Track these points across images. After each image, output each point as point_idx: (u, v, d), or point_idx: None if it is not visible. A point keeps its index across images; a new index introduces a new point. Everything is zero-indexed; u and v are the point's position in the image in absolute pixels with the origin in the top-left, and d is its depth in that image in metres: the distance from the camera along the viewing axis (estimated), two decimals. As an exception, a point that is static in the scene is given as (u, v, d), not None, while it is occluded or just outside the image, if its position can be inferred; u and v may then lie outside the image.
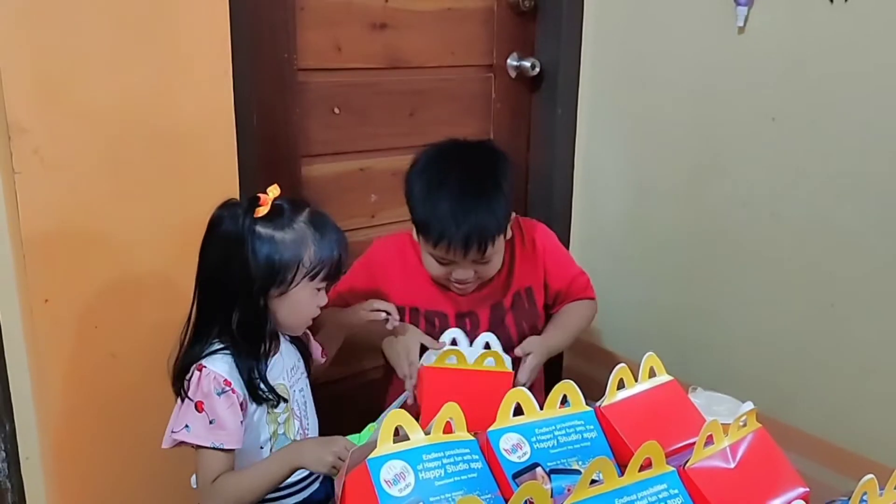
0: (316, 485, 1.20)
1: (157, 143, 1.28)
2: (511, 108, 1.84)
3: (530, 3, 1.79)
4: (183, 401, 1.09)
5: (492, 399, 0.93)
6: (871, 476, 0.80)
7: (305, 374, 1.22)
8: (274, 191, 1.11)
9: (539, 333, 1.43)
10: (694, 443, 0.85)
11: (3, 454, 1.25)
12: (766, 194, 1.54)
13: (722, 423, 0.87)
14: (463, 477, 0.82)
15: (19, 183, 1.16)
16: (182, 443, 1.09)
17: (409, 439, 0.81)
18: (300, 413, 1.19)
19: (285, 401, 1.14)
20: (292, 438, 1.16)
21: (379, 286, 1.40)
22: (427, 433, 0.83)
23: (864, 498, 0.80)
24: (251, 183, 1.39)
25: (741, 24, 1.51)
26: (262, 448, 1.13)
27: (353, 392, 1.57)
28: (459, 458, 0.83)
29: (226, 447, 1.08)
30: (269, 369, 1.14)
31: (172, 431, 1.09)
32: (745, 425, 0.90)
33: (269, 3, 1.42)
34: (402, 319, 1.34)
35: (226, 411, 1.08)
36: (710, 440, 0.86)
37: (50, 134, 1.18)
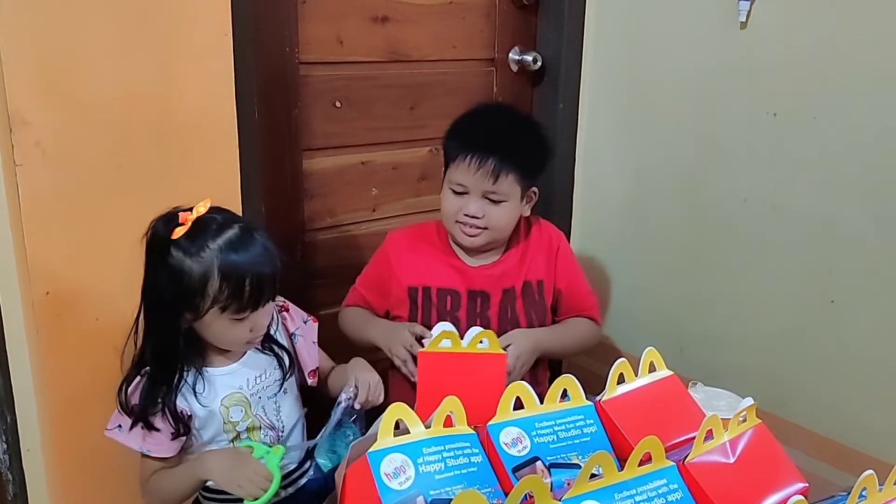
0: (310, 472, 1.20)
1: (159, 136, 1.28)
2: (513, 102, 1.83)
3: (532, -4, 1.79)
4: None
5: (487, 381, 0.94)
6: (870, 472, 0.80)
7: (279, 381, 1.18)
8: (203, 206, 1.07)
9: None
10: (693, 438, 0.85)
11: (5, 446, 1.26)
12: (766, 189, 1.54)
13: (721, 419, 0.87)
14: (463, 471, 0.82)
15: (21, 175, 1.16)
16: None
17: (409, 433, 0.82)
18: (270, 421, 1.17)
19: (187, 430, 1.12)
20: (261, 443, 1.14)
21: (393, 271, 1.43)
22: (427, 427, 0.83)
23: (864, 493, 0.80)
24: (252, 176, 1.39)
25: (743, 18, 1.51)
26: None
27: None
28: (459, 452, 0.83)
29: (153, 455, 1.11)
30: (220, 375, 1.13)
31: (108, 428, 1.12)
32: (744, 421, 0.90)
33: (271, -5, 1.42)
34: (415, 300, 1.40)
35: (159, 422, 1.09)
36: (709, 435, 0.86)
37: (52, 126, 1.18)
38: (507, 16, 1.79)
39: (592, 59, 1.84)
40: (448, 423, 0.85)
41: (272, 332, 1.19)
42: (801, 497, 0.73)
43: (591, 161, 1.90)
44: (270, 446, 1.11)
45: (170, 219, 1.06)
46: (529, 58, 1.80)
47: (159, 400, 1.09)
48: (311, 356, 1.25)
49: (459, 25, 1.73)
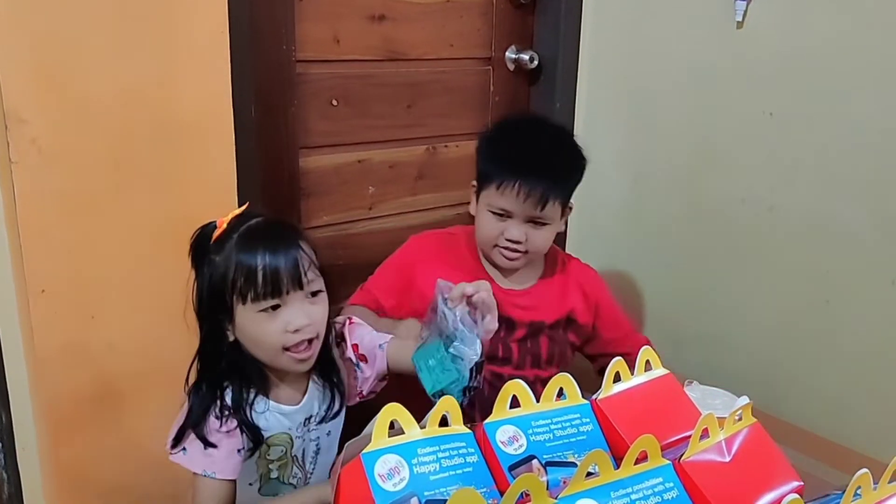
0: None
1: (155, 134, 1.27)
2: (509, 101, 1.84)
3: (529, -5, 1.79)
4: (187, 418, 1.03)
5: None
6: (865, 470, 0.80)
7: (330, 423, 1.12)
8: (238, 210, 1.05)
9: (566, 363, 1.43)
10: (689, 436, 0.85)
11: (0, 445, 1.25)
12: (763, 189, 1.54)
13: (717, 417, 0.87)
14: (458, 471, 0.82)
15: (16, 173, 1.16)
16: None
17: (403, 433, 0.81)
18: (304, 462, 1.13)
19: (260, 444, 1.05)
20: (287, 483, 1.11)
21: (416, 280, 1.37)
22: (423, 427, 0.83)
23: (858, 492, 0.80)
24: (249, 174, 1.39)
25: (740, 18, 1.51)
26: (250, 485, 1.10)
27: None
28: (455, 452, 0.83)
29: (217, 476, 1.03)
30: (275, 412, 1.07)
31: (171, 452, 1.04)
32: (740, 419, 0.91)
33: (268, -6, 1.42)
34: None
35: (222, 438, 1.02)
36: (705, 434, 0.86)
37: (48, 124, 1.17)
38: (503, 15, 1.79)
39: (589, 58, 1.84)
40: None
41: (330, 354, 1.12)
42: (797, 495, 0.73)
43: (588, 159, 1.89)
44: None
45: (211, 226, 1.05)
46: (526, 57, 1.80)
47: (234, 411, 1.03)
48: (367, 383, 1.16)
49: (456, 24, 1.72)
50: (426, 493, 0.78)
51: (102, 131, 1.23)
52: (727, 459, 0.86)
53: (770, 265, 1.55)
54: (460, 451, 0.84)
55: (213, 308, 1.02)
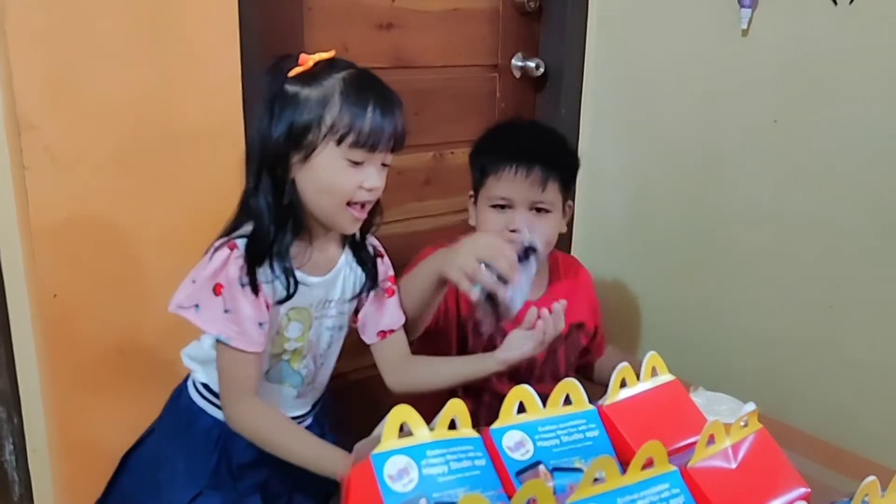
0: (309, 419, 1.17)
1: (167, 141, 1.29)
2: (515, 108, 1.85)
3: (535, 3, 1.80)
4: (201, 272, 0.98)
5: None
6: (872, 478, 0.80)
7: (347, 314, 1.10)
8: (327, 54, 1.01)
9: (581, 368, 1.44)
10: (695, 442, 0.85)
11: (11, 447, 1.27)
12: (767, 195, 1.54)
13: (723, 423, 0.88)
14: (466, 474, 0.82)
15: (29, 179, 1.17)
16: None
17: (413, 435, 0.82)
18: (315, 352, 1.09)
19: (293, 292, 1.00)
20: (295, 371, 1.08)
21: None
22: (431, 429, 0.84)
23: (866, 500, 0.81)
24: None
25: (745, 25, 1.51)
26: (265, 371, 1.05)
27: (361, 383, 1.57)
28: (463, 455, 0.84)
29: (234, 344, 0.96)
30: (302, 281, 1.02)
31: (179, 305, 0.99)
32: (746, 425, 0.91)
33: (278, 2, 1.43)
34: (464, 331, 1.32)
35: (247, 305, 0.96)
36: (711, 440, 0.86)
37: (60, 131, 1.19)
38: (510, 22, 1.80)
39: (595, 66, 1.85)
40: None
41: (368, 238, 1.12)
42: (804, 502, 0.73)
43: (593, 166, 1.90)
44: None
45: (287, 59, 1.01)
46: (532, 64, 1.81)
47: (268, 262, 0.97)
48: (396, 313, 1.15)
49: (463, 32, 1.74)
50: (435, 495, 0.78)
51: (114, 137, 1.24)
52: (733, 466, 0.86)
53: (774, 271, 1.56)
54: (468, 454, 0.84)
55: (285, 143, 0.98)
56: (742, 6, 1.50)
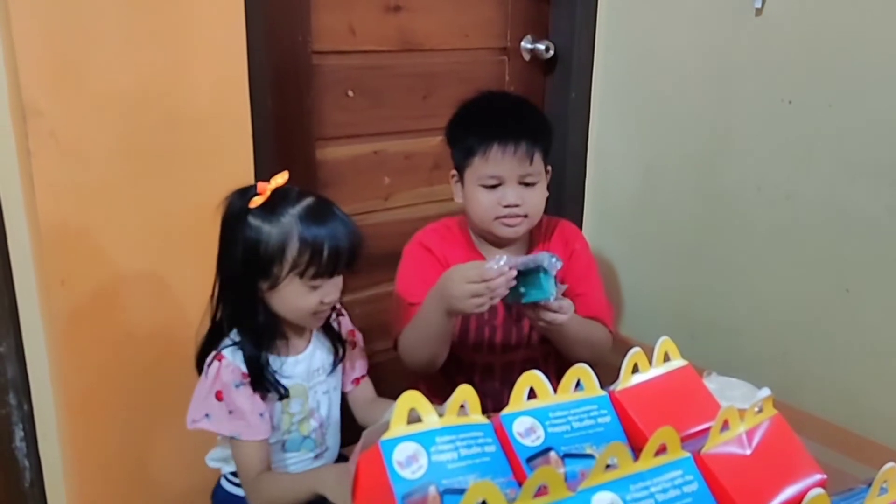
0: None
1: (173, 126, 1.28)
2: (525, 91, 1.83)
3: (545, -16, 1.77)
4: (203, 387, 1.10)
5: None
6: (892, 464, 0.79)
7: (334, 377, 1.21)
8: (280, 178, 1.09)
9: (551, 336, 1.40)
10: (708, 428, 0.84)
11: (22, 433, 1.27)
12: (780, 177, 1.52)
13: (737, 408, 0.87)
14: (476, 460, 0.82)
15: (35, 165, 1.17)
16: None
17: (422, 421, 0.81)
18: (320, 415, 1.19)
19: (285, 394, 1.13)
20: (306, 436, 1.18)
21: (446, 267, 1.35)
22: (441, 415, 0.83)
23: (885, 486, 0.79)
24: (266, 165, 1.39)
25: (758, 5, 1.49)
26: (273, 443, 1.15)
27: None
28: (473, 442, 0.83)
29: (244, 438, 1.09)
30: (283, 365, 1.14)
31: (193, 420, 1.10)
32: (760, 411, 0.90)
33: (284, -16, 1.42)
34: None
35: (245, 402, 1.09)
36: (725, 426, 0.85)
37: (65, 116, 1.18)
38: (519, 4, 1.78)
39: (605, 48, 1.83)
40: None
41: (333, 316, 1.21)
42: (821, 489, 0.72)
43: (604, 149, 1.89)
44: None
45: (246, 190, 1.09)
46: (542, 46, 1.79)
47: (258, 364, 1.10)
48: (361, 362, 1.28)
49: (471, 14, 1.72)
50: (444, 482, 0.78)
51: (119, 122, 1.23)
52: (748, 452, 0.85)
53: (788, 254, 1.54)
54: (478, 441, 0.83)
55: (253, 272, 1.07)
56: (756, -15, 1.48)
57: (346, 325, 1.26)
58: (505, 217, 1.33)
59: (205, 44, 1.28)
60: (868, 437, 1.42)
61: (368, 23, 1.57)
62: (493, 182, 1.32)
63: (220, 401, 1.09)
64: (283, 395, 1.13)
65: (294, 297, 1.09)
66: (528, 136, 1.32)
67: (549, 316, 1.21)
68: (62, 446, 1.30)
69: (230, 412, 1.09)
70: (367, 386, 1.29)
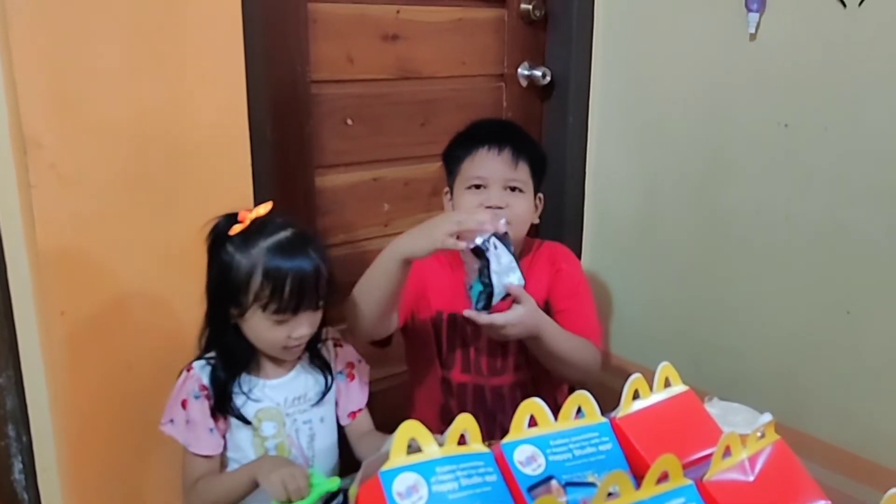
0: None
1: (172, 156, 1.29)
2: (522, 117, 1.84)
3: (541, 12, 1.79)
4: (173, 394, 1.14)
5: None
6: None
7: (323, 408, 1.20)
8: (263, 208, 1.11)
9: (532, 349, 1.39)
10: (710, 454, 0.84)
11: (21, 466, 1.26)
12: (779, 200, 1.53)
13: (739, 434, 0.86)
14: (477, 490, 0.81)
15: (35, 197, 1.17)
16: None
17: (422, 451, 0.81)
18: (299, 444, 1.17)
19: (247, 423, 1.13)
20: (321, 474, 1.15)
21: (426, 291, 1.41)
22: (441, 445, 0.83)
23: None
24: (265, 194, 1.39)
25: (753, 30, 1.50)
26: None
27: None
28: (473, 471, 0.82)
29: (192, 450, 1.12)
30: (256, 387, 1.15)
31: (162, 422, 1.14)
32: (763, 437, 0.89)
33: (282, 15, 1.43)
34: (439, 328, 1.40)
35: (198, 415, 1.11)
36: (727, 452, 0.85)
37: (66, 149, 1.19)
38: (515, 31, 1.80)
39: (602, 73, 1.84)
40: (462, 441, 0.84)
41: (319, 347, 1.20)
42: (823, 515, 0.72)
43: (602, 174, 1.89)
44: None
45: (231, 217, 1.11)
46: (539, 73, 1.81)
47: (223, 387, 1.12)
48: (359, 396, 1.25)
49: (468, 42, 1.73)
50: (445, 513, 0.77)
51: (119, 154, 1.24)
52: (751, 479, 0.84)
53: (788, 276, 1.54)
54: (479, 471, 0.83)
55: (224, 297, 1.10)
56: (749, 10, 1.49)
57: (346, 356, 1.25)
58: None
59: (204, 74, 1.29)
60: (873, 461, 1.41)
61: (366, 52, 1.59)
62: (478, 182, 1.35)
63: (185, 409, 1.12)
64: (245, 422, 1.13)
65: (261, 329, 1.10)
66: (514, 142, 1.36)
67: (484, 318, 1.21)
68: (61, 478, 1.29)
69: (187, 422, 1.11)
70: (363, 419, 1.26)
